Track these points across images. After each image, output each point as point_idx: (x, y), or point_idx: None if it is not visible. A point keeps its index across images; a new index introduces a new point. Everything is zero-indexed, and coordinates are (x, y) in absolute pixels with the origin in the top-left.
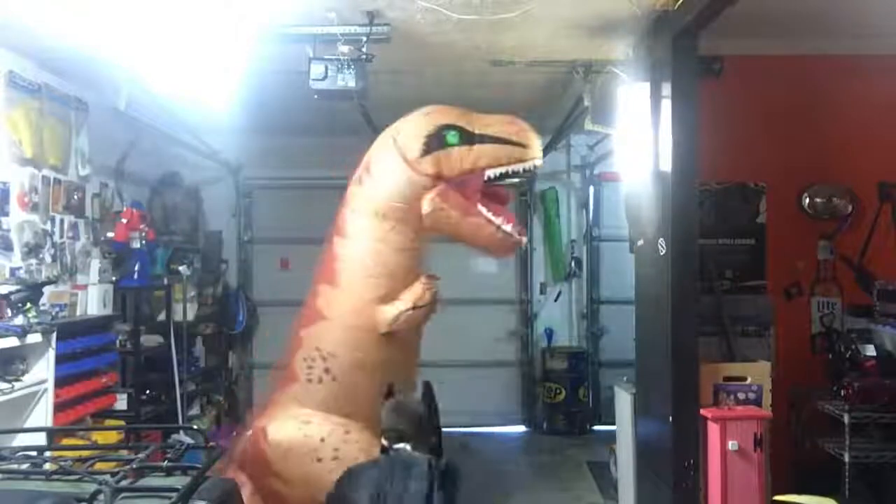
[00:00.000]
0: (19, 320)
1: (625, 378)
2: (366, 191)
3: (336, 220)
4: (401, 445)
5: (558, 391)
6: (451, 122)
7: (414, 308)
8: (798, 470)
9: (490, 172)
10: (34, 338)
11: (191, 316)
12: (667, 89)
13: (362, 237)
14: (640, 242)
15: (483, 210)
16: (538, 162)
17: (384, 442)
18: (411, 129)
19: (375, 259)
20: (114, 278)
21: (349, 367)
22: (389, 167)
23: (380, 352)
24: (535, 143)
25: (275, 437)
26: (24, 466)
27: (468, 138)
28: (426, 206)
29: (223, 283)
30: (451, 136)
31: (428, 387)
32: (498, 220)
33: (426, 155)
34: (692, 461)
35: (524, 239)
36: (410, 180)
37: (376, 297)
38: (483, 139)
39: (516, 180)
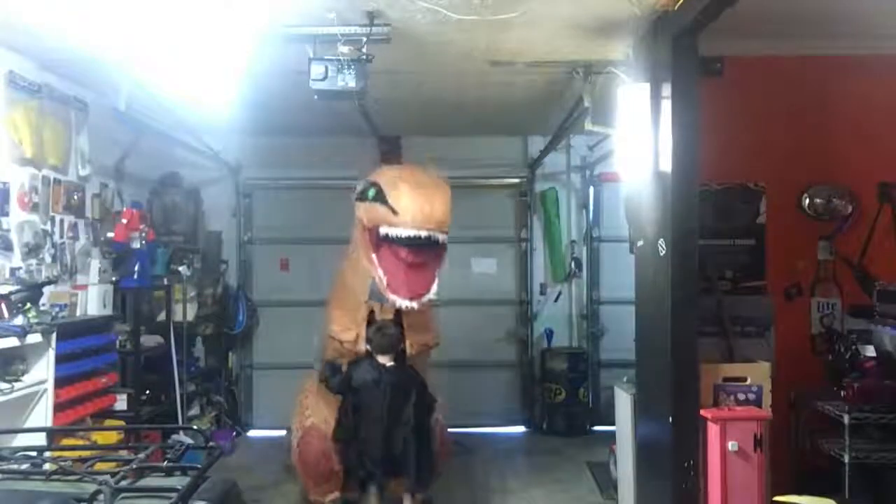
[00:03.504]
0: (19, 320)
1: (625, 378)
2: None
3: None
4: (387, 363)
5: (558, 391)
6: (378, 181)
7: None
8: (798, 470)
9: (380, 230)
10: (34, 338)
11: (191, 316)
12: (667, 90)
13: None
14: (640, 243)
15: (374, 258)
16: (405, 232)
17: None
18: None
19: (340, 278)
20: (114, 278)
21: None
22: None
23: None
24: (414, 216)
25: None
26: (24, 466)
27: (379, 195)
28: (357, 240)
29: (223, 283)
30: (371, 192)
31: (398, 312)
32: (380, 272)
33: (357, 202)
34: (692, 461)
35: (398, 301)
36: (355, 219)
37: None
38: (382, 198)
39: (516, 180)
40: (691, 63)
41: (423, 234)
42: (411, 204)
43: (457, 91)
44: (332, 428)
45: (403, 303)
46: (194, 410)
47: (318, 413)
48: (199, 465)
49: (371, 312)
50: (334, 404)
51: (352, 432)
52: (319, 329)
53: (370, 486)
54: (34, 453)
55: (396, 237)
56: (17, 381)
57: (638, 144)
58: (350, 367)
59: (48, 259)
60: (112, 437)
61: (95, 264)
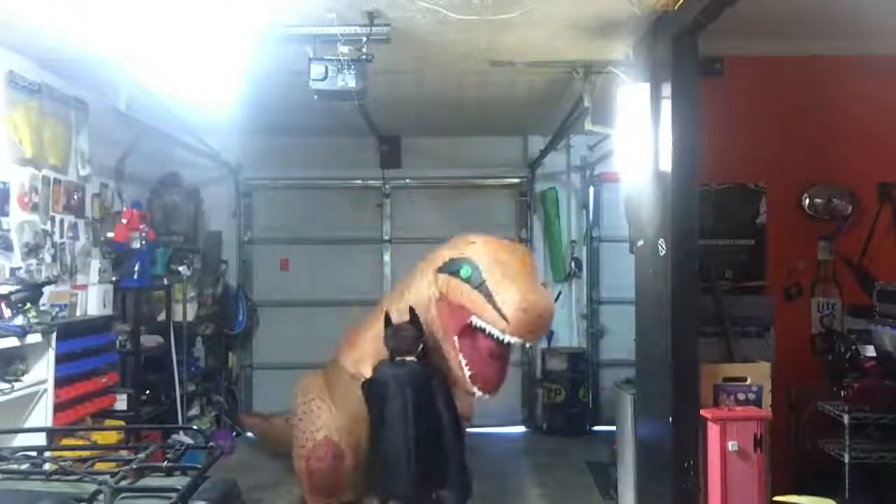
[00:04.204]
0: (19, 320)
1: (624, 379)
2: (413, 279)
3: None
4: (406, 358)
5: (558, 391)
6: (475, 262)
7: None
8: (798, 470)
9: (473, 319)
10: (34, 338)
11: (191, 316)
12: (667, 90)
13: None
14: (640, 243)
15: (455, 341)
16: (512, 340)
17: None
18: (446, 248)
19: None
20: (114, 278)
21: None
22: (424, 271)
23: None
24: (522, 328)
25: None
26: (24, 466)
27: (477, 279)
28: (429, 310)
29: (223, 283)
30: (465, 271)
31: (413, 312)
32: (462, 359)
33: (439, 272)
34: (692, 461)
35: (477, 392)
36: (428, 287)
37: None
38: (485, 290)
39: (516, 180)
40: (691, 63)
41: (528, 344)
42: (524, 316)
43: (457, 91)
44: (344, 439)
45: (484, 395)
46: (194, 410)
47: (331, 423)
48: (199, 465)
49: (386, 314)
50: (348, 410)
51: (378, 440)
52: (335, 359)
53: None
54: (34, 453)
55: (495, 338)
56: (17, 381)
57: (638, 144)
58: (376, 366)
59: (48, 259)
60: (112, 437)
61: (95, 264)
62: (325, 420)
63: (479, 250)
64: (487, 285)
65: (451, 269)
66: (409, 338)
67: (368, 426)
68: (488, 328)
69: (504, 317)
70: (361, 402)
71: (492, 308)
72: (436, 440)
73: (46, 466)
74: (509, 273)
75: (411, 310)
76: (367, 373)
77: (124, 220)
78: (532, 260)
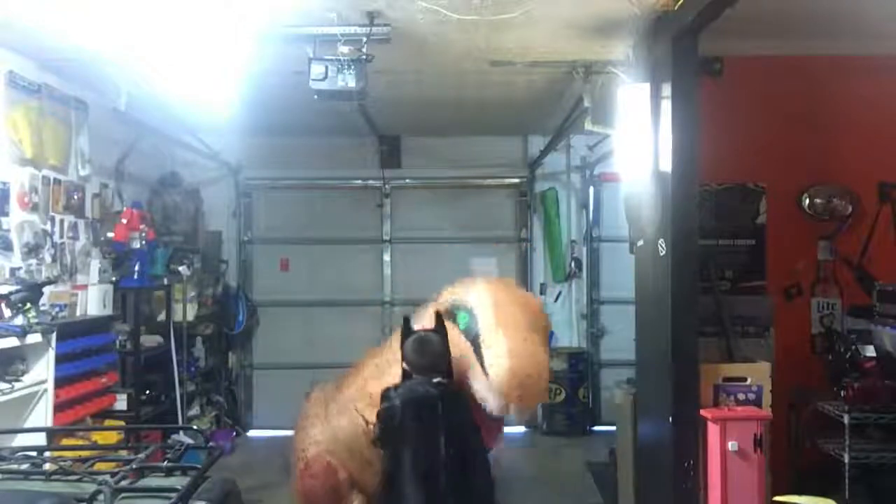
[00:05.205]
0: (19, 320)
1: (625, 379)
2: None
3: None
4: (434, 379)
5: (558, 392)
6: (470, 308)
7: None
8: (798, 470)
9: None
10: (34, 338)
11: (191, 316)
12: (667, 90)
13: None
14: (640, 243)
15: None
16: (487, 405)
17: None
18: (450, 292)
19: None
20: (114, 278)
21: None
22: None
23: None
24: (507, 401)
25: None
26: (24, 466)
27: (471, 329)
28: None
29: (223, 283)
30: (461, 318)
31: (439, 316)
32: None
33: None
34: (692, 461)
35: None
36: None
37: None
38: (475, 341)
39: (516, 180)
40: (691, 63)
41: (506, 416)
42: (510, 391)
43: (457, 91)
44: (335, 455)
45: None
46: (194, 410)
47: (320, 437)
48: (199, 465)
49: (406, 320)
50: (334, 430)
51: (397, 484)
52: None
53: None
54: (34, 453)
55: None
56: (17, 381)
57: (638, 144)
58: (389, 390)
59: (48, 259)
60: (112, 437)
61: (95, 264)
62: (315, 436)
63: (480, 298)
64: (479, 341)
65: (447, 312)
66: (436, 353)
67: (383, 464)
68: (471, 385)
69: (492, 385)
70: (352, 424)
71: (480, 370)
72: (465, 482)
73: (46, 466)
74: (508, 338)
75: (437, 315)
76: (344, 423)
77: (124, 220)
78: (540, 310)
